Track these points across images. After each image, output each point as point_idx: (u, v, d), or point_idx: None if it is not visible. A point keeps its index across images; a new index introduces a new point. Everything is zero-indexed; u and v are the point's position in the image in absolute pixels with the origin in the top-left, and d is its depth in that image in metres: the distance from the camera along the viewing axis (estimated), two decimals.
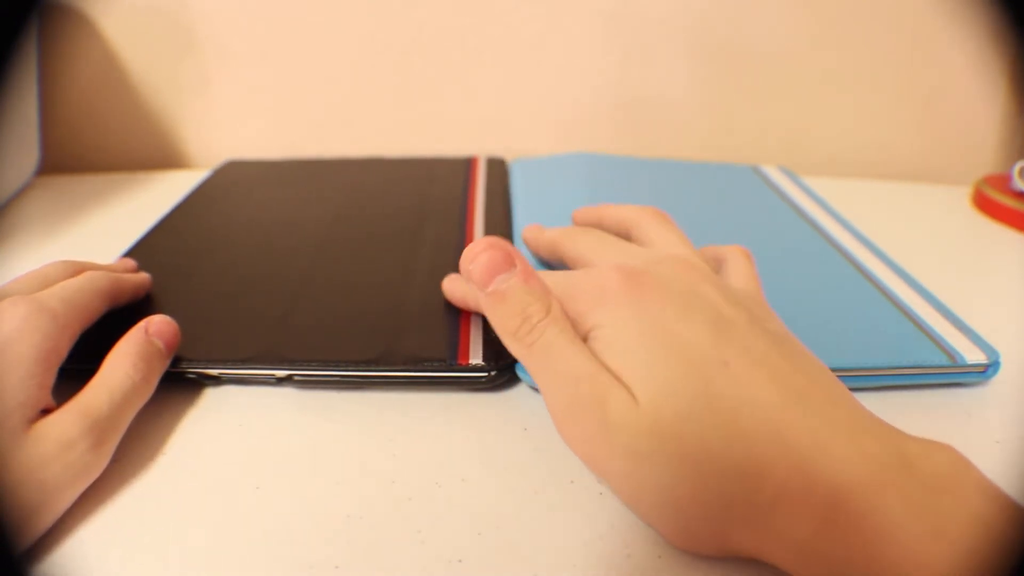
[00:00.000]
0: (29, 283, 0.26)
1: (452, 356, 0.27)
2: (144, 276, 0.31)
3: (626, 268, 0.23)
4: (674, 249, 0.26)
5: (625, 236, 0.29)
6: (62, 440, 0.21)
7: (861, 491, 0.17)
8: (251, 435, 0.25)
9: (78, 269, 0.28)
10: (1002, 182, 0.45)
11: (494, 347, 0.27)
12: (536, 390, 0.27)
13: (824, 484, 0.17)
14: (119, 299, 0.29)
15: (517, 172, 0.46)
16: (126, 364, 0.24)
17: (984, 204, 0.44)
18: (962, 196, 0.47)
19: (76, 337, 0.25)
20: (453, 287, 0.29)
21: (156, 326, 0.26)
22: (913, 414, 0.26)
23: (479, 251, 0.23)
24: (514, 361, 0.27)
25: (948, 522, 0.16)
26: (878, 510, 0.16)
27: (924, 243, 0.40)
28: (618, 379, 0.20)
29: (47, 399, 0.22)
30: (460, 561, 0.20)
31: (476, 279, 0.23)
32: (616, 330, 0.21)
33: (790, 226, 0.38)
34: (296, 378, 0.27)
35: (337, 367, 0.27)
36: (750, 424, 0.18)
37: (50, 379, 0.23)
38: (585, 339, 0.22)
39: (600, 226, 0.30)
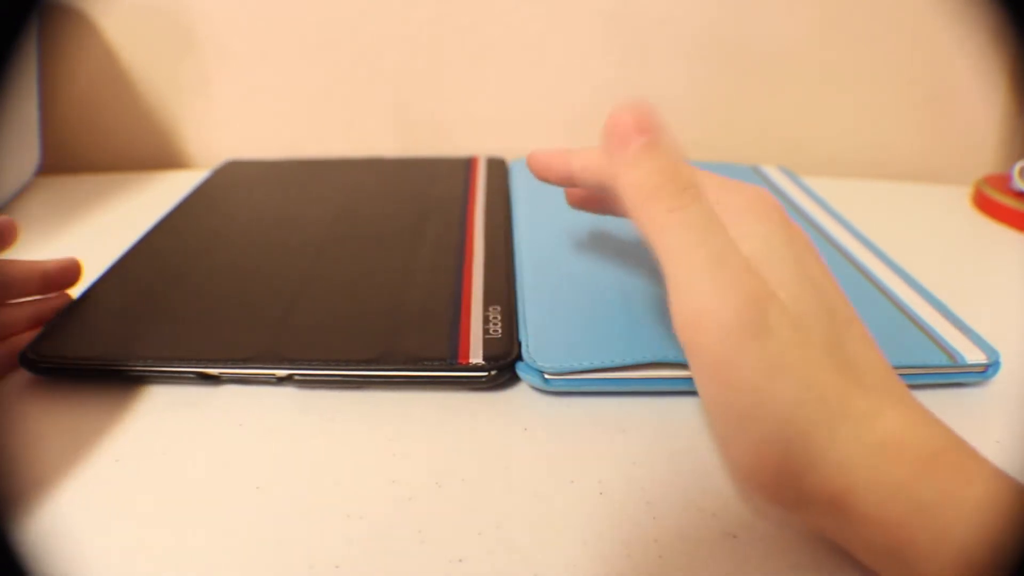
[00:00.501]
0: None
1: (452, 356, 0.27)
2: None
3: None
4: None
5: None
6: None
7: (952, 451, 0.18)
8: (251, 435, 0.25)
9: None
10: (1002, 182, 0.45)
11: (494, 347, 0.27)
12: (537, 390, 0.27)
13: (922, 443, 0.18)
14: None
15: (517, 172, 0.46)
16: None
17: (984, 204, 0.44)
18: (962, 196, 0.47)
19: None
20: (553, 154, 0.26)
21: None
22: None
23: (630, 107, 0.21)
24: (514, 361, 0.27)
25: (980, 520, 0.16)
26: (966, 469, 0.17)
27: (924, 243, 0.40)
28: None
29: None
30: (460, 561, 0.20)
31: (629, 125, 0.21)
32: (771, 245, 0.20)
33: None
34: (296, 378, 0.27)
35: (337, 367, 0.27)
36: (867, 376, 0.19)
37: None
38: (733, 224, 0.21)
39: None
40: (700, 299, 0.18)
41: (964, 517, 0.16)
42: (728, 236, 0.19)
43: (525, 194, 0.42)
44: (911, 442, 0.18)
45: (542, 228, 0.37)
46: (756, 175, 0.46)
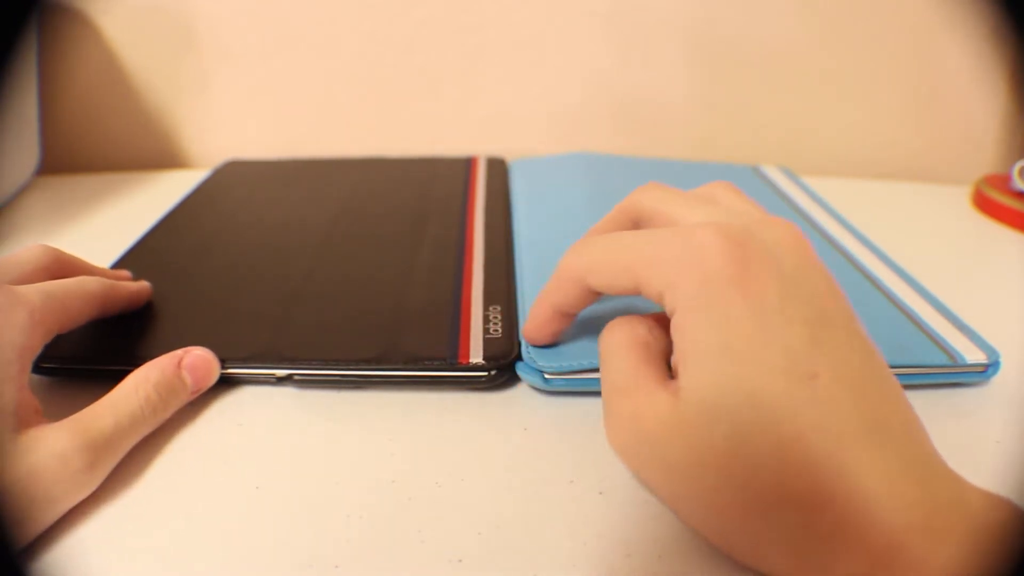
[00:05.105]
0: (2, 268, 0.25)
1: (452, 355, 0.27)
2: (143, 285, 0.30)
3: (728, 229, 0.19)
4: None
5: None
6: (55, 453, 0.20)
7: (923, 536, 0.16)
8: (251, 435, 0.25)
9: (59, 257, 0.27)
10: (1002, 182, 0.45)
11: (494, 347, 0.27)
12: (537, 390, 0.27)
13: (887, 525, 0.16)
14: (111, 307, 0.27)
15: (517, 172, 0.46)
16: (142, 392, 0.23)
17: (984, 204, 0.44)
18: (962, 196, 0.47)
19: (51, 335, 0.23)
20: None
21: (192, 359, 0.25)
22: None
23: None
24: (514, 361, 0.27)
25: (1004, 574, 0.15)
26: (937, 556, 0.16)
27: (924, 243, 0.40)
28: (677, 378, 0.19)
29: (29, 398, 0.21)
30: (460, 561, 0.20)
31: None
32: (704, 322, 0.18)
33: None
34: (296, 378, 0.27)
35: (337, 366, 0.27)
36: (817, 453, 0.17)
37: (26, 377, 0.22)
38: (672, 313, 0.20)
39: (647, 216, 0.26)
40: (605, 425, 0.22)
41: None
42: (625, 355, 0.21)
43: (525, 194, 0.42)
44: (866, 532, 0.16)
45: (542, 228, 0.37)
46: (756, 175, 0.46)
